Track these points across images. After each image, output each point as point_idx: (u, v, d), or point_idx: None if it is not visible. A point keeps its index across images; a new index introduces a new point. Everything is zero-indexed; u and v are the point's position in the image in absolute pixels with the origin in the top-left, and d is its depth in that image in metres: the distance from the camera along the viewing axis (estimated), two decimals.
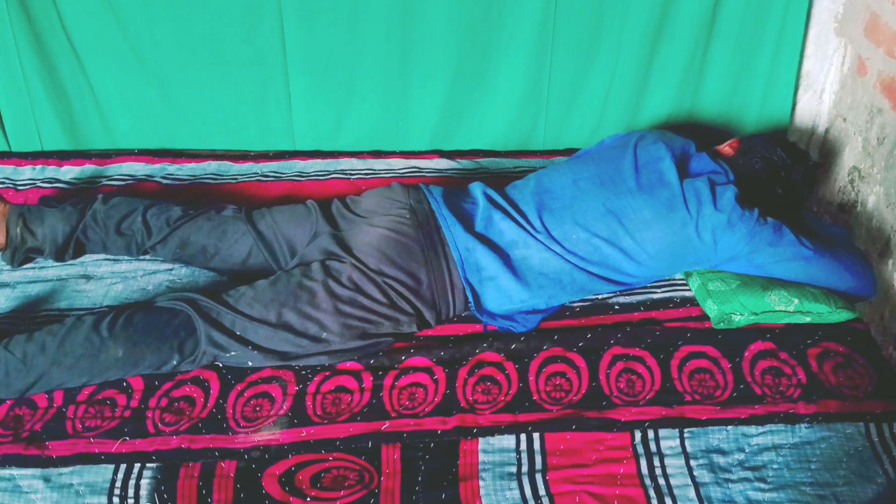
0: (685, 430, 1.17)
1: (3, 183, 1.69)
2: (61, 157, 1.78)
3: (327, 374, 1.24)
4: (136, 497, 1.07)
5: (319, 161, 1.80)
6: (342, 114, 1.82)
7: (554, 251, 1.33)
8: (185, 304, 1.23)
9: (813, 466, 1.12)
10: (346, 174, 1.75)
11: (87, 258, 1.47)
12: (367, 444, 1.14)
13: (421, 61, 1.74)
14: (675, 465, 1.12)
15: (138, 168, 1.75)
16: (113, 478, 1.09)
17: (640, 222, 1.33)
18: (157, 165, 1.76)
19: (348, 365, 1.25)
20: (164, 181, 1.71)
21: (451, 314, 1.34)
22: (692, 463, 1.12)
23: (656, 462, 1.12)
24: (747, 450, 1.14)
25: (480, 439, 1.15)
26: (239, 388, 1.21)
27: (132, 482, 1.08)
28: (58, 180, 1.70)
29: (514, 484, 1.10)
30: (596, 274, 1.34)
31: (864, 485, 1.09)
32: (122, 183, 1.70)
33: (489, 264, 1.31)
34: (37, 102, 1.77)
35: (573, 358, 1.27)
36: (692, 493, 1.09)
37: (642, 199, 1.34)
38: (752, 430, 1.16)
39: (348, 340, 1.24)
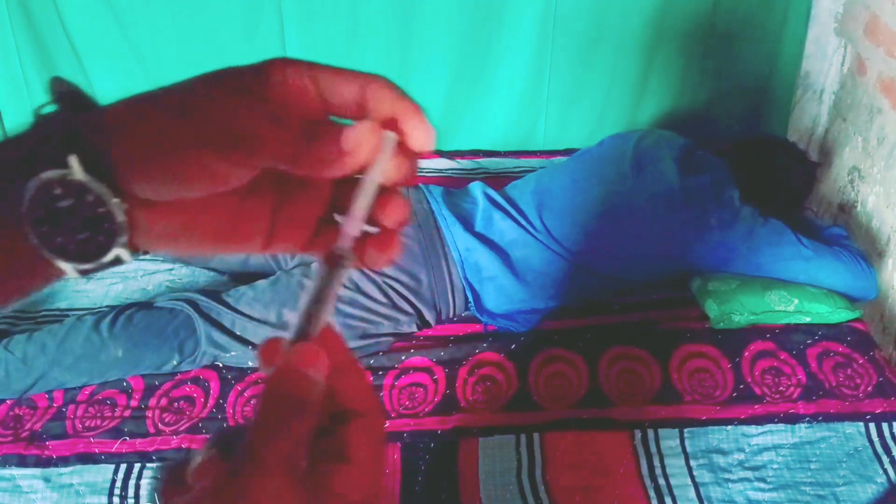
0: (685, 429, 1.17)
1: None
2: None
3: None
4: (137, 497, 1.07)
5: None
6: None
7: (554, 251, 1.33)
8: (185, 305, 1.23)
9: (813, 466, 1.12)
10: None
11: None
12: None
13: (421, 61, 1.74)
14: (675, 464, 1.12)
15: None
16: (113, 478, 1.09)
17: (641, 222, 1.33)
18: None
19: None
20: None
21: (451, 314, 1.34)
22: (692, 463, 1.12)
23: (656, 462, 1.12)
24: (747, 449, 1.14)
25: (480, 439, 1.15)
26: (239, 387, 1.21)
27: (132, 482, 1.08)
28: None
29: (514, 484, 1.10)
30: (596, 273, 1.34)
31: (864, 485, 1.09)
32: None
33: (489, 264, 1.31)
34: (37, 102, 1.76)
35: (573, 358, 1.27)
36: (692, 492, 1.09)
37: (643, 198, 1.34)
38: (751, 429, 1.16)
39: (348, 340, 1.24)
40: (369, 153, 0.28)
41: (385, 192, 0.30)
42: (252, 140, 0.27)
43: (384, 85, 0.29)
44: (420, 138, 0.29)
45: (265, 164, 0.28)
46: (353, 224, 0.29)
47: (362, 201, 0.29)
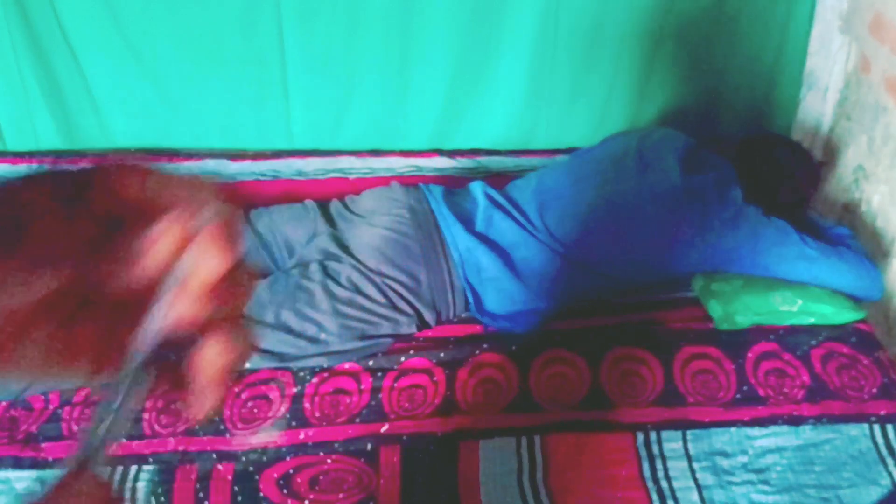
0: (688, 431, 1.15)
1: None
2: (58, 155, 1.76)
3: (325, 375, 1.22)
4: (133, 500, 1.06)
5: (318, 160, 1.78)
6: (341, 112, 1.81)
7: (556, 251, 1.32)
8: None
9: (817, 469, 1.11)
10: (344, 173, 1.74)
11: None
12: (365, 447, 1.13)
13: (421, 59, 1.72)
14: (677, 467, 1.11)
15: None
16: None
17: (643, 222, 1.32)
18: (154, 164, 1.74)
19: (347, 366, 1.24)
20: None
21: (451, 315, 1.33)
22: (695, 465, 1.11)
23: (659, 464, 1.11)
24: (751, 452, 1.13)
25: (481, 441, 1.14)
26: (236, 389, 1.20)
27: (129, 484, 1.07)
28: None
29: (515, 486, 1.09)
30: (598, 274, 1.33)
31: (868, 487, 1.08)
32: None
33: (490, 265, 1.30)
34: (33, 101, 1.75)
35: (574, 359, 1.26)
36: (695, 495, 1.08)
37: (645, 197, 1.33)
38: (755, 431, 1.15)
39: (347, 341, 1.23)
40: (169, 257, 0.26)
41: (207, 344, 0.28)
42: (34, 239, 0.26)
43: (211, 195, 0.27)
44: (204, 266, 0.26)
45: (51, 266, 0.26)
46: (150, 328, 0.26)
47: (163, 303, 0.25)
